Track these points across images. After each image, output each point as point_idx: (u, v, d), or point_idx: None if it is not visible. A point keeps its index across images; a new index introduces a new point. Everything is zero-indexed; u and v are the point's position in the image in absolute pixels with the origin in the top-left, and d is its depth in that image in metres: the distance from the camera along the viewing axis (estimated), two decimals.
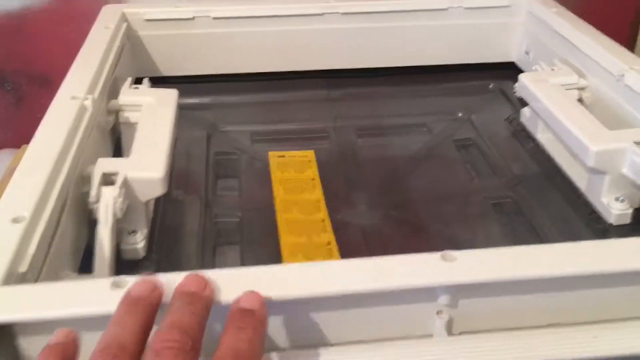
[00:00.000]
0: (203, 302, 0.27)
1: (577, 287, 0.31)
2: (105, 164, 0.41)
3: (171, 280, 0.28)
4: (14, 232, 0.31)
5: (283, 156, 0.57)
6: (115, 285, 0.28)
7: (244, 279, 0.29)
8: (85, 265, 0.39)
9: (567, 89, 0.53)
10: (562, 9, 0.61)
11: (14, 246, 0.30)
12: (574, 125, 0.46)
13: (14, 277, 0.29)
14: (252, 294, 0.28)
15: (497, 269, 0.29)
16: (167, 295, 0.28)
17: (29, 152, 0.38)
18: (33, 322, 0.27)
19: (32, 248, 0.31)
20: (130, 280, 0.28)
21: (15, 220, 0.32)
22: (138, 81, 0.54)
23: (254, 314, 0.27)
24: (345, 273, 0.29)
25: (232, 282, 0.29)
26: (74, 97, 0.44)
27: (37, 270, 0.31)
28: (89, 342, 0.25)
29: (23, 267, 0.30)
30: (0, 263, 0.29)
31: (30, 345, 0.28)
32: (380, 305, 0.30)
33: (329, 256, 0.46)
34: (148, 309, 0.27)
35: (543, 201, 0.50)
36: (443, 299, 0.29)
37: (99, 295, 0.27)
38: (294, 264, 0.31)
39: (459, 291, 0.30)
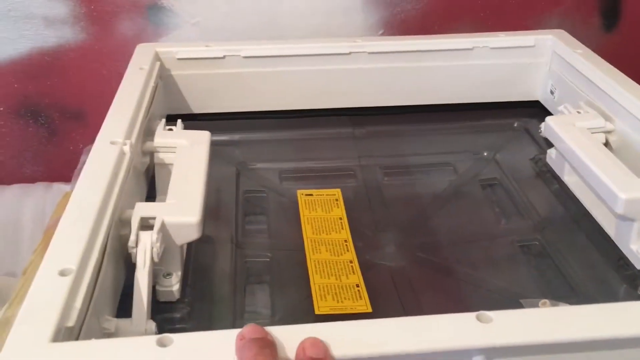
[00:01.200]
0: (274, 347, 0.29)
1: (613, 346, 0.31)
2: (143, 209, 0.42)
3: (224, 338, 0.29)
4: (62, 286, 0.32)
5: (311, 195, 0.58)
6: (160, 344, 0.29)
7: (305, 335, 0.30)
8: (123, 306, 0.40)
9: (593, 132, 0.53)
10: (587, 51, 0.62)
11: (62, 301, 0.31)
12: (603, 171, 0.47)
13: (62, 333, 0.30)
14: (316, 341, 0.29)
15: (533, 331, 0.30)
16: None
17: (72, 200, 0.39)
18: None
19: (78, 301, 0.32)
20: (174, 338, 0.29)
21: (62, 273, 0.33)
22: (169, 118, 0.55)
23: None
24: (383, 333, 0.30)
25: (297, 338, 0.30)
26: (113, 142, 0.46)
27: (81, 320, 0.32)
28: None
29: (71, 322, 0.31)
30: (49, 319, 0.30)
31: None
32: None
33: (358, 298, 0.46)
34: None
35: (571, 245, 0.51)
36: (478, 359, 0.30)
37: (146, 354, 0.28)
38: (330, 324, 0.32)
39: (494, 352, 0.30)
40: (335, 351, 0.30)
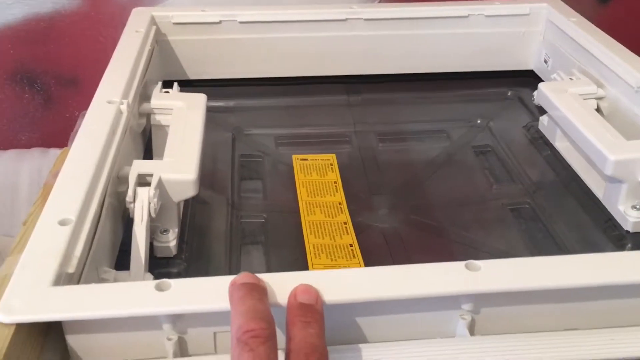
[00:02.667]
0: (263, 290, 0.30)
1: (595, 296, 0.32)
2: (141, 166, 0.43)
3: (220, 282, 0.30)
4: (62, 235, 0.32)
5: (306, 159, 0.58)
6: (159, 288, 0.30)
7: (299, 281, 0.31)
8: (120, 261, 0.41)
9: (585, 99, 0.54)
10: (581, 19, 0.62)
11: (62, 249, 0.31)
12: (593, 134, 0.48)
13: (63, 278, 0.31)
14: (308, 287, 0.30)
15: (519, 279, 0.31)
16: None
17: (71, 155, 0.39)
18: (83, 320, 0.29)
19: (78, 250, 0.33)
20: (172, 283, 0.30)
21: (62, 223, 0.33)
22: (165, 84, 0.55)
23: (315, 308, 0.29)
24: (373, 280, 0.31)
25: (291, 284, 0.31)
26: (110, 102, 0.46)
27: (80, 268, 0.33)
28: (134, 340, 0.27)
29: (71, 269, 0.31)
30: (50, 265, 0.30)
31: (78, 343, 0.30)
32: (406, 311, 0.31)
33: (351, 257, 0.47)
34: (264, 292, 0.30)
35: (560, 208, 0.51)
36: (466, 306, 0.31)
37: (144, 298, 0.29)
38: (321, 271, 0.32)
39: (482, 299, 0.31)
40: (327, 296, 0.30)
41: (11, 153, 0.75)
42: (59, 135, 0.76)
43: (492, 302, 0.32)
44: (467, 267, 0.32)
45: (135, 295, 0.29)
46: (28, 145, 0.78)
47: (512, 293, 0.31)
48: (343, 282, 0.31)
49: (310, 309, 0.29)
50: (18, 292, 0.30)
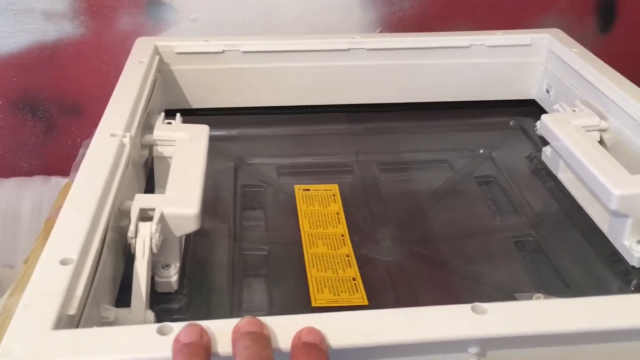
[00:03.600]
0: (267, 340, 0.29)
1: (604, 339, 0.32)
2: (143, 200, 0.42)
3: (222, 326, 0.30)
4: (63, 275, 0.32)
5: (308, 190, 0.58)
6: (160, 332, 0.29)
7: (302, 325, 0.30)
8: (121, 297, 0.41)
9: (588, 130, 0.54)
10: (583, 50, 0.62)
11: (63, 290, 0.31)
12: (597, 168, 0.47)
13: (64, 321, 0.31)
14: (313, 328, 0.30)
15: (527, 323, 0.30)
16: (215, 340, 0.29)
17: (73, 191, 0.39)
18: None
19: (79, 290, 0.32)
20: (174, 327, 0.30)
21: (64, 262, 0.33)
22: (168, 112, 0.55)
23: (319, 347, 0.29)
24: (379, 324, 0.30)
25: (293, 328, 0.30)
26: (112, 135, 0.46)
27: (81, 308, 0.33)
28: None
29: (72, 310, 0.31)
30: (51, 307, 0.30)
31: None
32: (412, 354, 0.31)
33: (354, 291, 0.47)
34: (205, 354, 0.28)
35: (565, 241, 0.51)
36: (473, 349, 0.31)
37: (146, 342, 0.29)
38: (327, 314, 0.32)
39: (489, 342, 0.31)
40: (332, 340, 0.30)
41: (13, 181, 0.75)
42: (60, 162, 0.76)
43: (499, 345, 0.31)
44: (473, 309, 0.31)
45: (136, 339, 0.29)
46: (29, 173, 0.78)
47: (519, 337, 0.30)
48: (348, 326, 0.31)
49: (314, 348, 0.29)
50: (19, 336, 0.29)
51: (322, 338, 0.30)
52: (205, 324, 0.30)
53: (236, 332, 0.30)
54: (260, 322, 0.30)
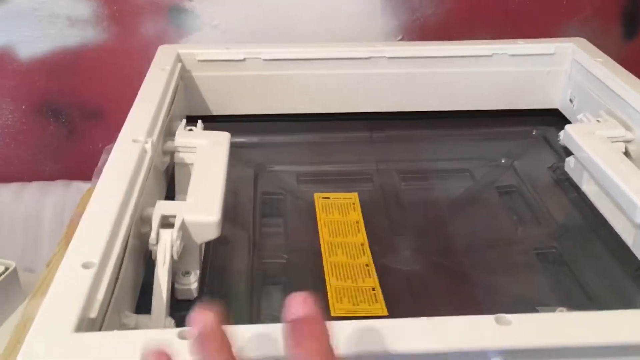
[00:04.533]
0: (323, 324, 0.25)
1: (630, 353, 0.31)
2: (164, 207, 0.43)
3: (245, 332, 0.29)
4: (85, 278, 0.32)
5: (328, 198, 0.58)
6: (181, 337, 0.29)
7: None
8: (141, 303, 0.41)
9: (613, 142, 0.53)
10: (608, 59, 0.61)
11: (85, 293, 0.31)
12: (623, 180, 0.47)
13: (85, 324, 0.31)
14: (297, 299, 0.26)
15: (551, 335, 0.30)
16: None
17: (95, 196, 0.39)
18: None
19: (100, 294, 0.32)
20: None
21: (85, 266, 0.33)
22: (189, 119, 0.56)
23: (309, 320, 0.25)
24: (402, 332, 0.30)
25: None
26: (135, 140, 0.46)
27: (103, 313, 0.33)
28: None
29: (93, 313, 0.31)
30: (72, 310, 0.30)
31: None
32: None
33: (374, 301, 0.46)
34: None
35: (588, 253, 0.50)
36: None
37: (167, 347, 0.28)
38: (348, 322, 0.32)
39: (512, 354, 0.30)
40: (353, 348, 0.30)
41: (35, 185, 0.76)
42: (82, 167, 0.77)
43: (522, 357, 0.31)
44: (497, 320, 0.31)
45: (157, 344, 0.29)
46: (51, 177, 0.78)
47: (543, 349, 0.30)
48: (369, 334, 0.30)
49: (302, 323, 0.25)
50: (40, 337, 0.29)
51: (310, 305, 0.25)
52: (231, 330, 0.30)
53: (291, 320, 0.26)
54: (314, 305, 0.26)
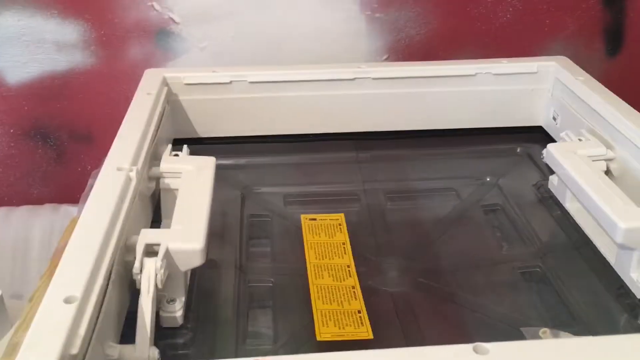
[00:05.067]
0: None
1: None
2: (148, 235, 0.43)
3: None
4: (66, 314, 0.32)
5: (314, 219, 0.58)
6: None
7: None
8: (126, 332, 0.41)
9: (594, 160, 0.54)
10: (589, 78, 0.62)
11: (66, 329, 0.31)
12: (603, 200, 0.47)
13: None
14: None
15: None
16: None
17: (79, 227, 0.40)
18: None
19: (82, 328, 0.32)
20: None
21: (67, 301, 0.33)
22: (175, 142, 0.56)
23: None
24: None
25: None
26: (119, 169, 0.46)
27: (85, 347, 0.33)
28: None
29: (74, 349, 0.31)
30: (53, 347, 0.30)
31: None
32: None
33: (359, 325, 0.47)
34: None
35: (572, 272, 0.51)
36: None
37: None
38: (330, 355, 0.32)
39: None
40: None
41: (23, 209, 0.76)
42: (71, 190, 0.77)
43: None
44: (475, 350, 0.31)
45: None
46: (40, 200, 0.78)
47: None
48: None
49: None
50: None
51: None
52: None
53: None
54: None
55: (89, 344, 0.34)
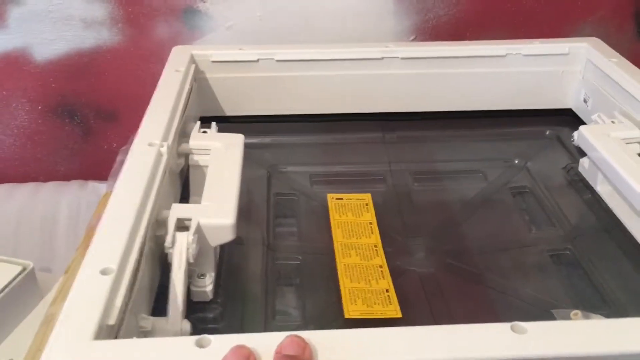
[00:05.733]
0: None
1: None
2: (180, 210, 0.43)
3: (261, 341, 0.30)
4: (103, 285, 0.33)
5: (341, 199, 0.58)
6: (199, 345, 0.30)
7: (337, 340, 0.30)
8: (157, 305, 0.41)
9: (628, 143, 0.53)
10: (622, 59, 0.61)
11: (103, 300, 0.32)
12: (637, 182, 0.46)
13: (103, 331, 0.31)
14: (293, 339, 0.29)
15: (567, 344, 0.30)
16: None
17: (112, 201, 0.40)
18: None
19: (119, 300, 0.33)
20: (212, 339, 0.30)
21: (104, 272, 0.34)
22: (202, 120, 0.56)
23: (301, 359, 0.28)
24: (415, 342, 0.30)
25: (327, 344, 0.30)
26: (150, 144, 0.47)
27: (120, 318, 0.33)
28: None
29: (111, 320, 0.31)
30: (91, 317, 0.31)
31: None
32: None
33: (387, 303, 0.47)
34: None
35: (603, 255, 0.50)
36: None
37: (185, 355, 0.29)
38: (361, 330, 0.32)
39: None
40: (367, 356, 0.30)
41: (50, 185, 0.77)
42: (97, 167, 0.78)
43: None
44: (512, 329, 0.31)
45: (175, 352, 0.29)
46: (67, 177, 0.79)
47: (559, 358, 0.30)
48: (383, 343, 0.31)
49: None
50: (60, 346, 0.30)
51: (304, 348, 0.29)
52: (248, 337, 0.30)
53: (278, 352, 0.29)
54: (303, 342, 0.29)
55: (124, 315, 0.34)
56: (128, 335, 0.34)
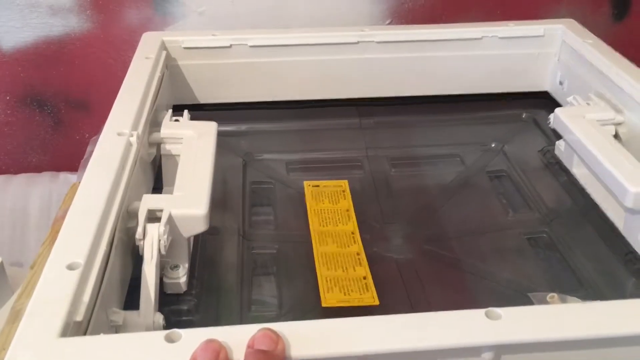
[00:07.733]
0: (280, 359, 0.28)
1: (621, 344, 0.31)
2: (150, 201, 0.42)
3: (232, 334, 0.29)
4: (70, 280, 0.32)
5: (317, 186, 0.58)
6: (169, 340, 0.29)
7: (311, 332, 0.29)
8: (129, 298, 0.40)
9: (603, 125, 0.53)
10: (598, 41, 0.61)
11: (70, 295, 0.31)
12: (612, 164, 0.46)
13: (71, 327, 0.30)
14: (266, 332, 0.29)
15: (542, 328, 0.30)
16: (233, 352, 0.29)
17: (80, 193, 0.39)
18: None
19: (86, 295, 0.32)
20: (183, 334, 0.29)
21: (70, 267, 0.33)
22: (175, 108, 0.55)
23: (273, 355, 0.28)
24: (391, 329, 0.30)
25: (301, 335, 0.29)
26: (120, 133, 0.45)
27: (89, 314, 0.32)
28: None
29: (79, 316, 0.31)
30: (57, 314, 0.30)
31: None
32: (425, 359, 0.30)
33: (365, 290, 0.46)
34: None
35: (579, 238, 0.50)
36: (487, 355, 0.30)
37: (154, 350, 0.28)
38: (336, 320, 0.31)
39: (503, 348, 0.30)
40: (342, 347, 0.29)
41: (21, 177, 0.75)
42: (69, 158, 0.76)
43: (513, 351, 0.31)
44: (487, 315, 0.31)
45: (144, 347, 0.29)
46: (38, 168, 0.77)
47: (534, 342, 0.30)
48: (358, 332, 0.30)
49: (267, 355, 0.28)
50: (25, 344, 0.29)
51: (277, 342, 0.28)
52: (219, 331, 0.29)
53: (250, 347, 0.29)
54: (275, 335, 0.29)
55: (92, 310, 0.33)
56: (98, 330, 0.33)
